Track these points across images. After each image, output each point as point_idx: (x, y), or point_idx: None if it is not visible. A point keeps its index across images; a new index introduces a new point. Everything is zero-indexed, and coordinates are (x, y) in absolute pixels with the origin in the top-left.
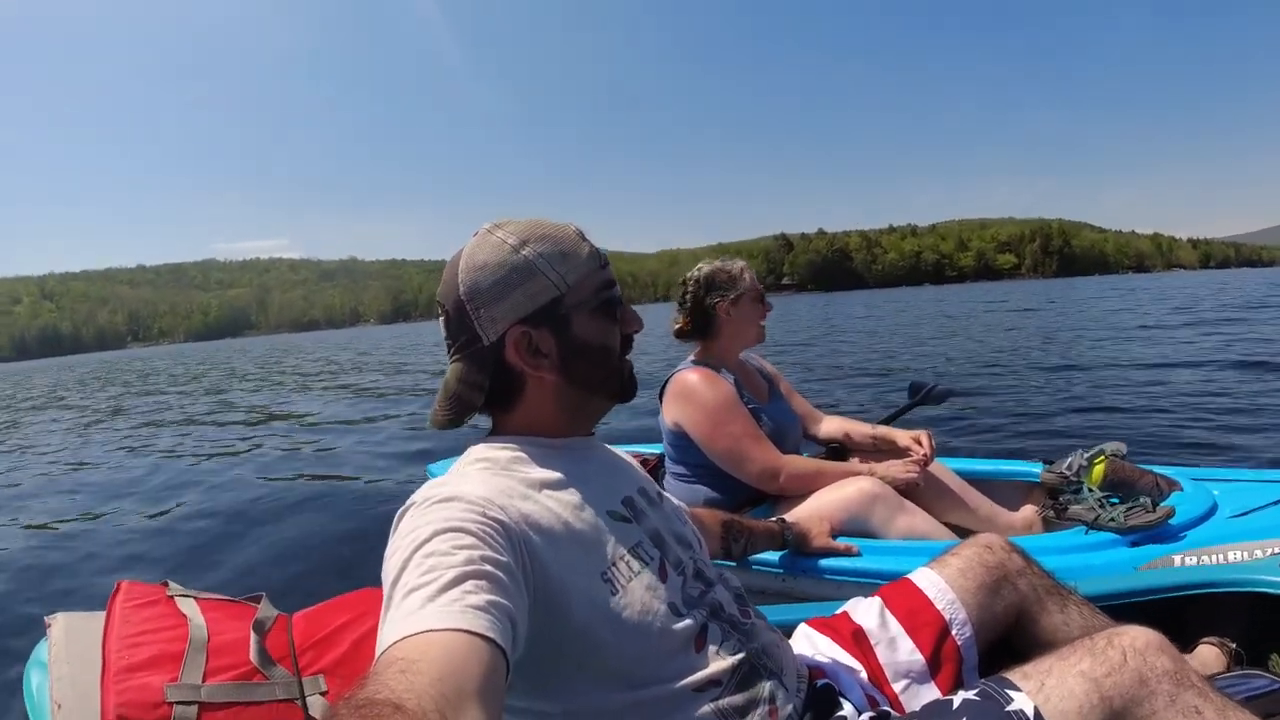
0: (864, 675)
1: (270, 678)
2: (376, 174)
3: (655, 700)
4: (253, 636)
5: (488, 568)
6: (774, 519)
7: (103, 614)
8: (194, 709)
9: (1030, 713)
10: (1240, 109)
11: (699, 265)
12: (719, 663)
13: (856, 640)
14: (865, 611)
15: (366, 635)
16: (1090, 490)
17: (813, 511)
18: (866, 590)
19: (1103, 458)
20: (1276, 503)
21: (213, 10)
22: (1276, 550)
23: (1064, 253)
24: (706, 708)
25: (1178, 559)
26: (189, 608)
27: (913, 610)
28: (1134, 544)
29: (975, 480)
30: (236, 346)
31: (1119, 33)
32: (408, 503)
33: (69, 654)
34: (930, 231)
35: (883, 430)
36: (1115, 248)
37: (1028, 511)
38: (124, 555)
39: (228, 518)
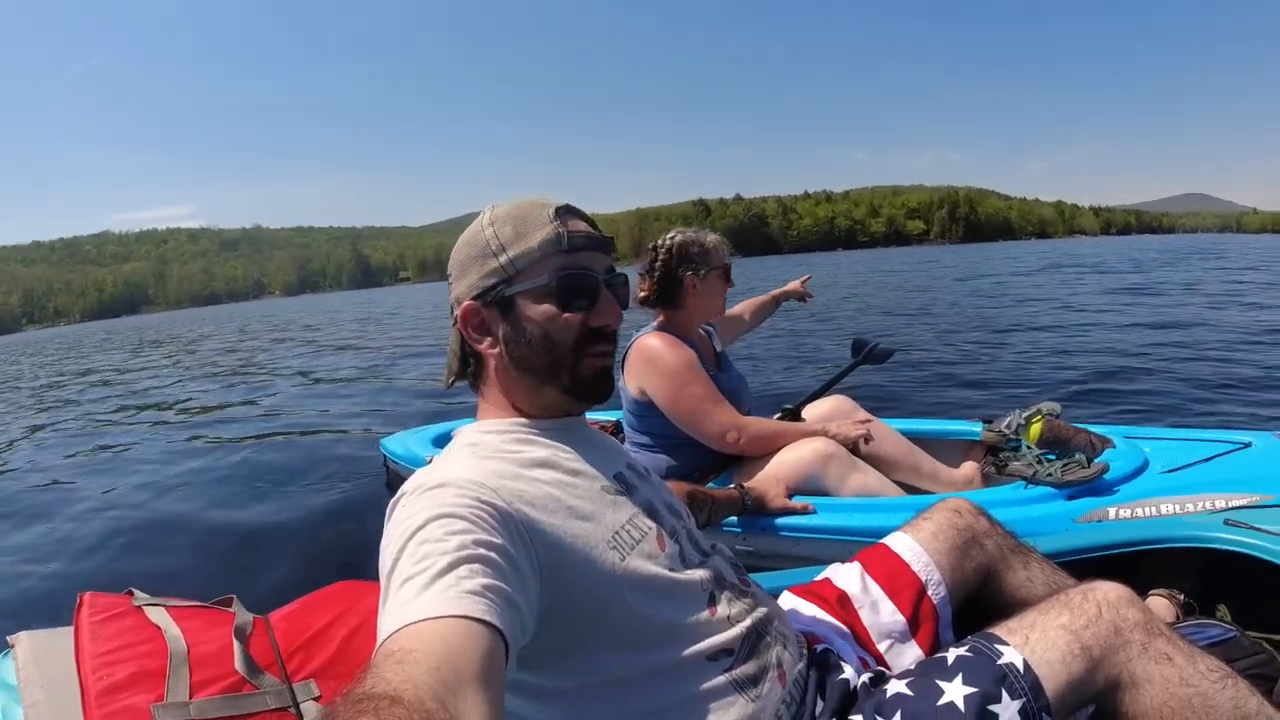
0: (852, 638)
1: (260, 687)
2: (283, 135)
3: (669, 668)
4: (236, 645)
5: (482, 551)
6: (733, 486)
7: (69, 630)
8: None
9: (1020, 665)
10: (1149, 82)
11: (671, 233)
12: (730, 630)
13: (841, 605)
14: (846, 577)
15: (354, 632)
16: (1029, 447)
17: (770, 473)
18: (824, 545)
19: (1040, 417)
20: (1205, 460)
21: None
22: (1207, 505)
23: (970, 219)
24: (720, 678)
25: (1112, 511)
26: (160, 617)
27: (891, 574)
28: (1071, 498)
29: (919, 439)
30: (132, 324)
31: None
32: (399, 492)
33: (41, 676)
34: (844, 198)
35: (773, 293)
36: (1019, 215)
37: (968, 468)
38: (55, 565)
39: (155, 514)
